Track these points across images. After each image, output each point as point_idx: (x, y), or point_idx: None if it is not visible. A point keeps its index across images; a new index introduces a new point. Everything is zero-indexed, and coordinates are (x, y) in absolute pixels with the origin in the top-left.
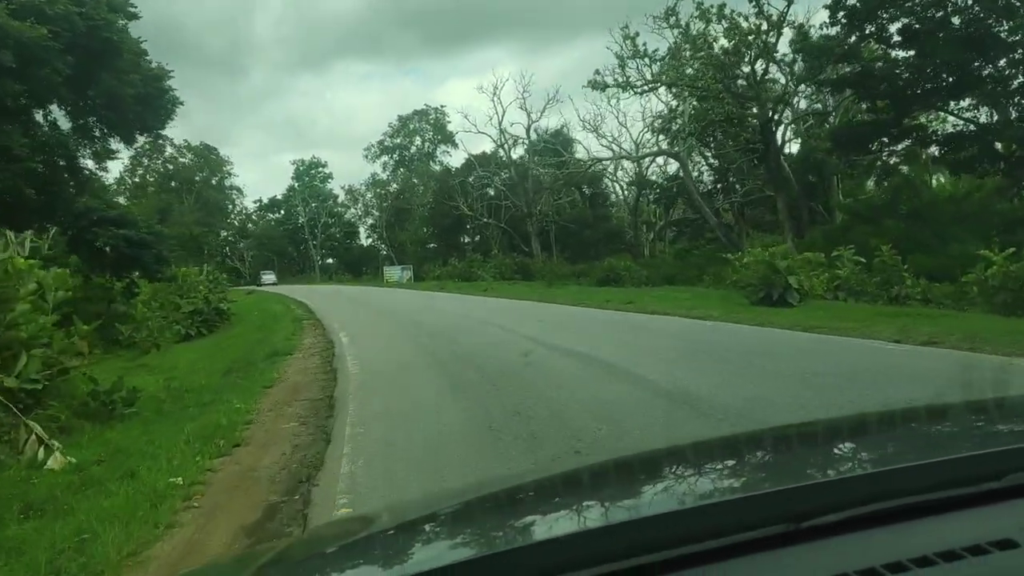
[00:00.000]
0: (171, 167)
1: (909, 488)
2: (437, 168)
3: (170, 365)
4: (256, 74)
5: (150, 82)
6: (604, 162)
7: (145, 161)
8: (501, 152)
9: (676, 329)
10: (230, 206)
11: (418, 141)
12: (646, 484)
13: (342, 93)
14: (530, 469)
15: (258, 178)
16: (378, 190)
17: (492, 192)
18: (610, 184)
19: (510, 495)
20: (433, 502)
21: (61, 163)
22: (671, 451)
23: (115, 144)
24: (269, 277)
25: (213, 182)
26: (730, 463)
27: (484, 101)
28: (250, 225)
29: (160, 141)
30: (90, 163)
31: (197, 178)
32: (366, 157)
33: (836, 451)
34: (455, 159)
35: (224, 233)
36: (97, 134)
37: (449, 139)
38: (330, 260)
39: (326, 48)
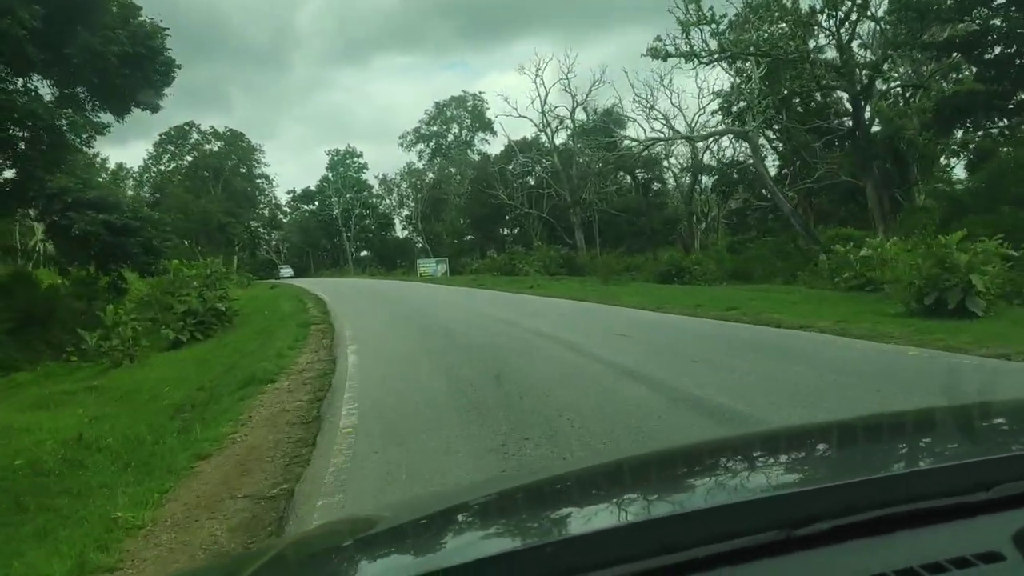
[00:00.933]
0: (197, 154)
1: (898, 497)
2: (475, 157)
3: (128, 387)
4: (298, 67)
5: (140, 40)
6: (662, 142)
7: (171, 148)
8: (543, 137)
9: (863, 359)
10: (259, 196)
11: (455, 129)
12: (638, 489)
13: (382, 86)
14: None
15: (297, 171)
16: (413, 180)
17: (532, 181)
18: (666, 169)
19: (502, 499)
20: (423, 506)
21: (44, 138)
22: (663, 455)
23: (106, 117)
24: (286, 271)
25: (242, 170)
26: (721, 468)
27: (525, 84)
28: (281, 216)
29: (186, 126)
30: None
31: (229, 163)
32: (401, 145)
33: (827, 458)
34: (494, 147)
35: (254, 224)
36: (88, 108)
37: (487, 127)
38: (364, 252)
39: (367, 41)
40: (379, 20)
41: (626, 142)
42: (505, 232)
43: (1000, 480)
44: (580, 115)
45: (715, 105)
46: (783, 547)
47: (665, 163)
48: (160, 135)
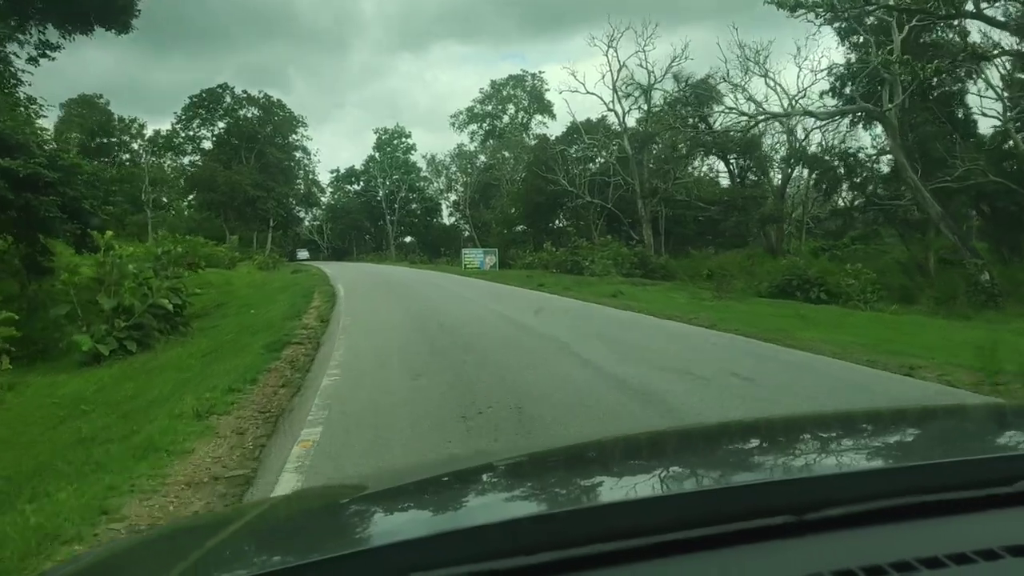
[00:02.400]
0: (230, 120)
1: (920, 487)
2: (532, 141)
3: None
4: (357, 52)
5: None
6: (778, 118)
7: (202, 112)
8: (611, 119)
9: None
10: (297, 170)
11: (511, 110)
12: (647, 467)
13: (440, 75)
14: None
15: (350, 156)
16: (464, 162)
17: (594, 167)
18: (770, 152)
19: (508, 469)
20: (405, 475)
21: None
22: (675, 433)
23: (56, 37)
24: (303, 254)
25: (278, 140)
26: (739, 451)
27: (589, 67)
28: (318, 193)
29: (219, 89)
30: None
31: (265, 132)
32: (452, 125)
33: (845, 445)
34: (554, 130)
35: (291, 200)
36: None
37: (546, 109)
38: (408, 238)
39: (426, 28)
40: (440, 8)
41: (731, 115)
42: (560, 224)
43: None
44: (662, 89)
45: (824, 84)
46: (801, 529)
47: (770, 144)
48: (190, 98)
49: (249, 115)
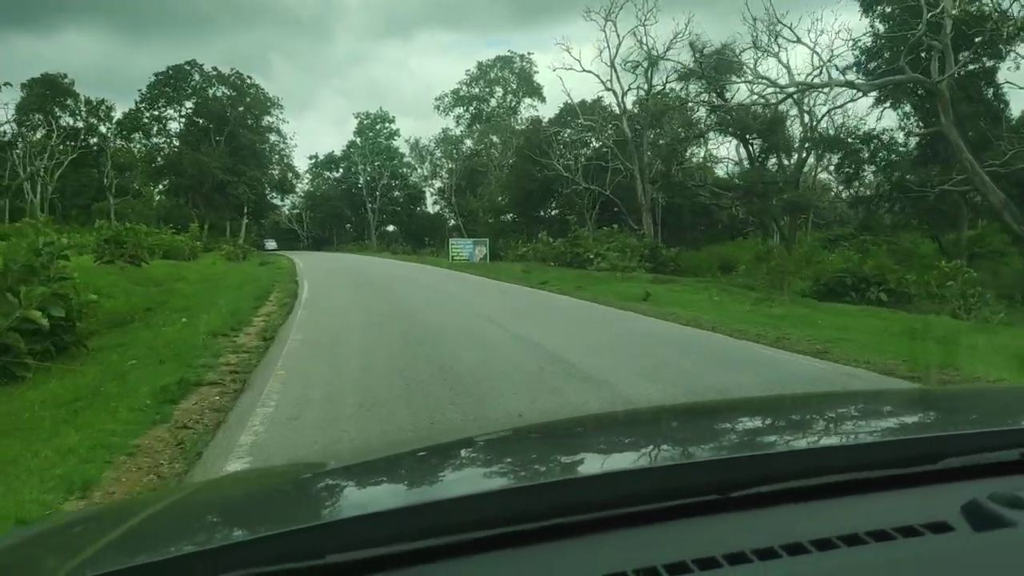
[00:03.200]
0: (198, 99)
1: (843, 466)
2: (521, 124)
3: None
4: (340, 38)
5: None
6: (816, 89)
7: (168, 91)
8: (609, 99)
9: None
10: (272, 154)
11: (499, 93)
12: (580, 448)
13: (424, 62)
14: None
15: (334, 143)
16: (449, 148)
17: (589, 152)
18: (795, 129)
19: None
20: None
21: None
22: (609, 417)
23: None
24: (271, 244)
25: (249, 122)
26: (667, 432)
27: (586, 42)
28: (293, 178)
29: (187, 66)
30: None
31: (236, 112)
32: (437, 108)
33: (772, 426)
34: (545, 113)
35: (266, 187)
36: None
37: (536, 92)
38: (390, 227)
39: (410, 15)
40: None
41: (758, 87)
42: (552, 212)
43: (948, 454)
44: (674, 60)
45: (849, 58)
46: (726, 507)
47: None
48: (155, 75)
49: (219, 94)
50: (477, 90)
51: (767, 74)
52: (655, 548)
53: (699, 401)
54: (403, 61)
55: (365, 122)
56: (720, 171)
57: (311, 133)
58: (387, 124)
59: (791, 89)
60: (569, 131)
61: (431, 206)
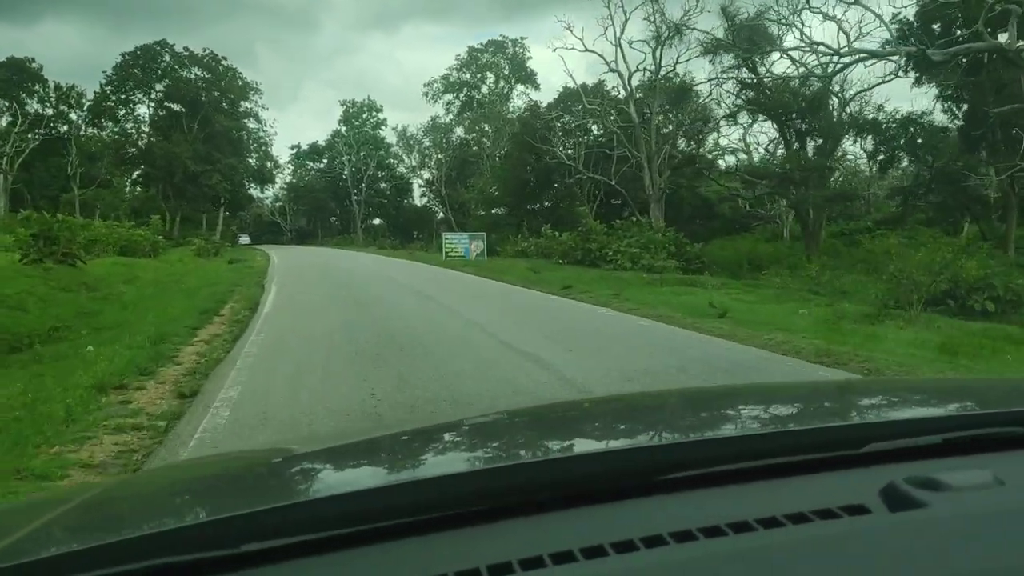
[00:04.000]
0: (169, 82)
1: (768, 451)
2: (514, 113)
3: None
4: (328, 31)
5: None
6: (857, 61)
7: (136, 73)
8: (614, 82)
9: None
10: (250, 142)
11: (490, 79)
12: (518, 439)
13: (411, 55)
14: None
15: (319, 135)
16: (438, 136)
17: (590, 139)
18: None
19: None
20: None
21: None
22: (549, 408)
23: None
24: (243, 239)
25: (225, 106)
26: (601, 422)
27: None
28: (273, 167)
29: (157, 46)
30: None
31: (210, 96)
32: (426, 95)
33: (701, 415)
34: (541, 98)
35: (245, 177)
36: None
37: (529, 79)
38: (376, 220)
39: (397, 7)
40: None
41: (806, 58)
42: (547, 204)
43: (875, 440)
44: (699, 30)
45: (884, 34)
46: (653, 490)
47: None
48: (122, 55)
49: (192, 76)
50: (468, 76)
51: (797, 51)
52: (575, 533)
53: (628, 393)
54: (389, 54)
55: (351, 110)
56: (729, 159)
57: (297, 125)
58: (374, 113)
59: (847, 59)
60: (568, 117)
61: (419, 198)
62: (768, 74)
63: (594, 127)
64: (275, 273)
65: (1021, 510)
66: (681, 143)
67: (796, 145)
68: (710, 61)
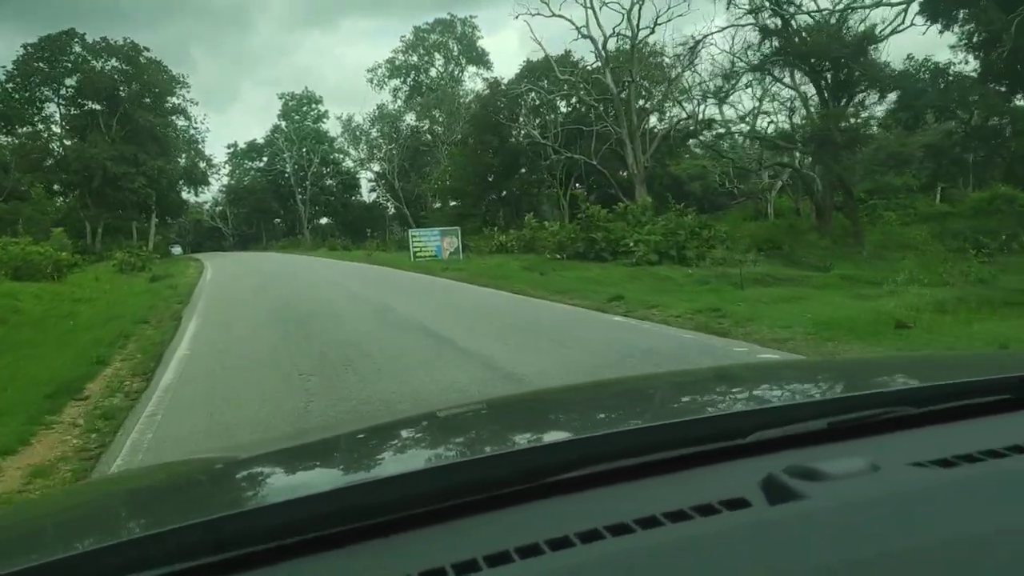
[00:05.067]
0: (81, 76)
1: (651, 446)
2: (466, 96)
3: None
4: (263, 29)
5: None
6: None
7: (42, 67)
8: (583, 51)
9: None
10: (180, 140)
11: (439, 62)
12: (387, 448)
13: (350, 50)
14: None
15: (261, 135)
16: (386, 126)
17: (558, 115)
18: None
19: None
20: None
21: None
22: (413, 418)
23: None
24: (176, 249)
25: (148, 101)
26: (482, 425)
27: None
28: (211, 171)
29: (65, 36)
30: None
31: (129, 89)
32: (370, 82)
33: (576, 414)
34: (505, 71)
35: (176, 179)
36: None
37: (480, 59)
38: (324, 220)
39: (332, 3)
40: None
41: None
42: (515, 191)
43: (761, 428)
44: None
45: None
46: (532, 495)
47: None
48: (24, 47)
49: (108, 68)
50: (415, 59)
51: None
52: (475, 540)
53: (517, 393)
54: (327, 50)
55: (290, 103)
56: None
57: (237, 127)
58: (314, 105)
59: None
60: (533, 93)
61: (367, 194)
62: (800, 9)
63: (562, 104)
64: (203, 294)
65: (893, 497)
66: (675, 112)
67: (831, 102)
68: (728, 7)
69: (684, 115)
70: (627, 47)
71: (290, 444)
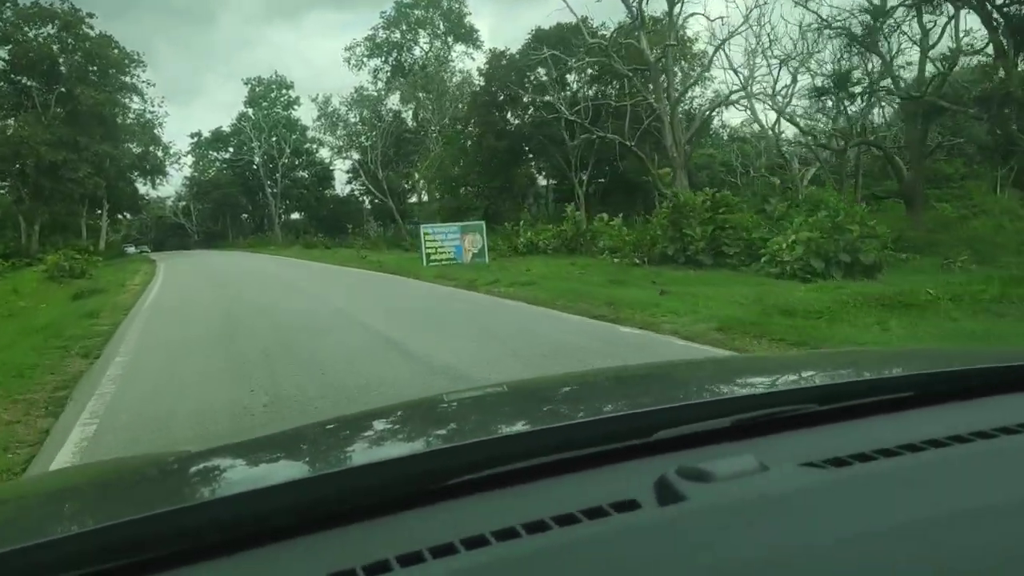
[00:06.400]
0: (14, 46)
1: (550, 447)
2: (455, 77)
3: None
4: (225, 23)
5: None
6: None
7: None
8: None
9: None
10: (133, 123)
11: (424, 40)
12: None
13: (317, 44)
14: None
15: (226, 125)
16: (367, 108)
17: (570, 92)
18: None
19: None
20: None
21: None
22: (300, 429)
23: None
24: (131, 248)
25: (93, 76)
26: (374, 429)
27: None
28: (169, 160)
29: None
30: None
31: (72, 62)
32: (348, 62)
33: (474, 418)
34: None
35: (130, 169)
36: None
37: (469, 37)
38: (296, 215)
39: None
40: None
41: None
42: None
43: (665, 427)
44: None
45: None
46: (429, 499)
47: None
48: None
49: (44, 36)
50: (398, 36)
51: None
52: (355, 547)
53: (437, 395)
54: (293, 45)
55: (258, 89)
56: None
57: (202, 122)
58: (284, 91)
59: None
60: (542, 68)
61: (343, 186)
62: None
63: (572, 79)
64: (136, 323)
65: (776, 497)
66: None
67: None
68: None
69: (736, 85)
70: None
71: (202, 449)
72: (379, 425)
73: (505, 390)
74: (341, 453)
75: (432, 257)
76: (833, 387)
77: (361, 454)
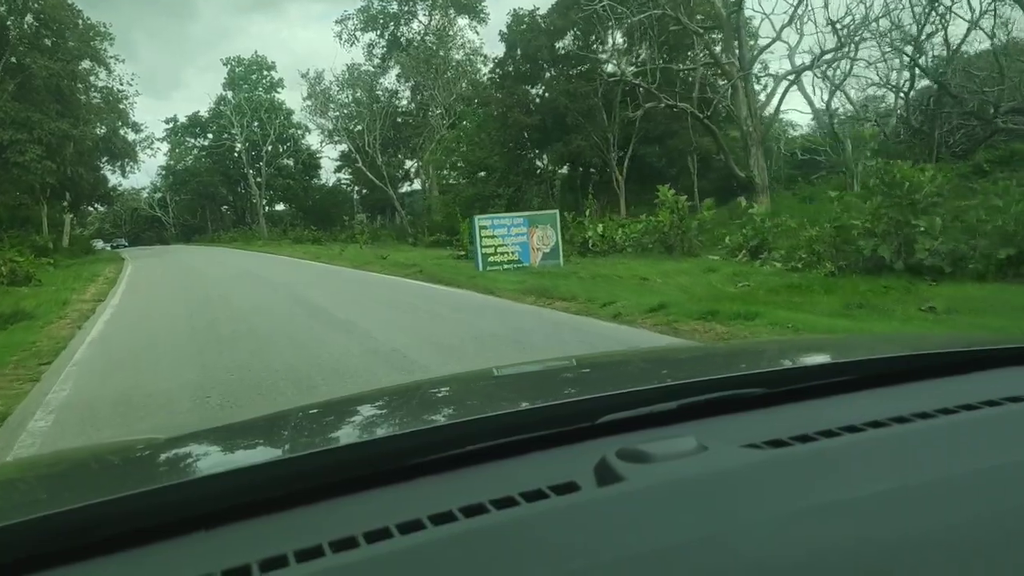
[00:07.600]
0: None
1: (494, 431)
2: (458, 54)
3: None
4: (206, 15)
5: None
6: None
7: None
8: None
9: None
10: (97, 99)
11: (421, 15)
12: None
13: (299, 34)
14: None
15: (204, 110)
16: (360, 90)
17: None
18: None
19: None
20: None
21: None
22: (267, 418)
23: None
24: (98, 244)
25: (48, 44)
26: (325, 420)
27: None
28: (140, 145)
29: None
30: None
31: (22, 26)
32: (339, 37)
33: (424, 407)
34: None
35: (93, 151)
36: None
37: (473, 9)
38: (281, 206)
39: None
40: None
41: None
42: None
43: (611, 411)
44: None
45: None
46: (384, 480)
47: None
48: None
49: None
50: (395, 7)
51: None
52: (318, 524)
53: (368, 391)
54: (274, 35)
55: (238, 70)
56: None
57: (181, 112)
58: (266, 72)
59: None
60: (573, 33)
61: (330, 175)
62: None
63: (614, 40)
64: (37, 420)
65: (714, 477)
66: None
67: None
68: None
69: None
70: None
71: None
72: (330, 415)
73: (462, 378)
74: (293, 441)
75: (490, 259)
76: (779, 372)
77: (306, 441)
